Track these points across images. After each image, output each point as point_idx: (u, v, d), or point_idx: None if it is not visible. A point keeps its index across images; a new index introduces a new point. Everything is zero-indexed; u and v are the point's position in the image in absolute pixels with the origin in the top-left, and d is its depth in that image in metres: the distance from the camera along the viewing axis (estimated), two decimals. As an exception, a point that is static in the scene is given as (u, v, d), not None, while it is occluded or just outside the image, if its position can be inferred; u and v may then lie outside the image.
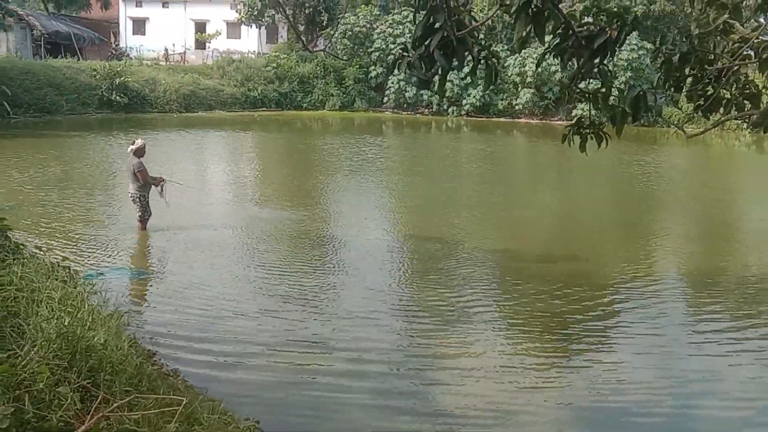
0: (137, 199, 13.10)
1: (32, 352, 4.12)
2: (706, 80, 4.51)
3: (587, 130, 4.67)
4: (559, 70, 37.58)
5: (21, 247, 7.32)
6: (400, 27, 44.37)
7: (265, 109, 42.89)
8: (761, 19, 5.03)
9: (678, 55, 4.40)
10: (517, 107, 42.94)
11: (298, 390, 7.47)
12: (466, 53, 3.82)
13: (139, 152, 13.04)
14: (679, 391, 7.88)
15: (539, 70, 39.63)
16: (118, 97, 37.09)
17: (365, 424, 6.89)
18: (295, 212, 15.85)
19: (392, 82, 43.84)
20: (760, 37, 4.59)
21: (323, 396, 7.39)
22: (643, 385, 7.92)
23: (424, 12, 3.76)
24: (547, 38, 4.18)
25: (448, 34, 3.70)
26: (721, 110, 4.60)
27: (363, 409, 7.21)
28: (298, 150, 29.42)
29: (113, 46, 52.24)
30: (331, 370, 7.98)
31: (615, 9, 3.99)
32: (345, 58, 44.54)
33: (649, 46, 39.13)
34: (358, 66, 45.26)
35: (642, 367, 8.35)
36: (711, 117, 4.82)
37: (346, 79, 45.24)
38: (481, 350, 8.61)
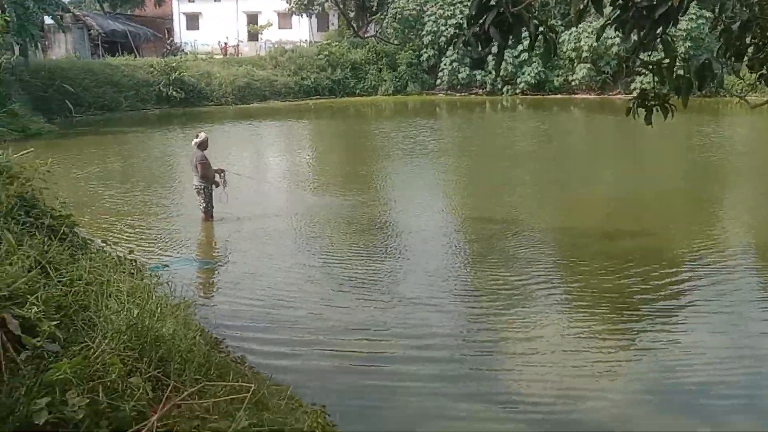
0: (201, 191, 13.33)
1: (104, 344, 4.21)
2: (769, 48, 4.34)
3: (652, 102, 4.53)
4: (616, 43, 36.67)
5: (88, 242, 7.51)
6: (451, 8, 43.83)
7: (318, 97, 43.10)
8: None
9: (738, 23, 4.24)
10: (573, 83, 42.15)
11: (361, 376, 7.52)
12: (523, 29, 3.75)
13: (203, 145, 13.27)
14: (755, 371, 7.64)
15: (595, 44, 38.77)
16: (174, 92, 37.78)
17: (429, 409, 6.89)
18: (350, 198, 15.90)
19: (445, 64, 43.47)
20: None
21: (387, 381, 7.41)
22: (718, 366, 7.69)
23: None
24: (606, 11, 4.06)
25: (504, 11, 3.63)
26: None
27: (427, 394, 7.19)
28: (352, 136, 29.51)
29: (168, 42, 53.17)
30: (393, 356, 7.98)
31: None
32: (396, 42, 44.34)
33: (707, 14, 37.73)
34: (410, 50, 45.00)
35: (716, 347, 8.10)
36: (775, 86, 4.63)
37: (399, 64, 45.04)
38: (547, 333, 8.48)
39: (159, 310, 5.39)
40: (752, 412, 6.89)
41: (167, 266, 10.38)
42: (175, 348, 4.89)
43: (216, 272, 11.02)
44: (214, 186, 13.46)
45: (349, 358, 7.91)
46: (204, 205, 13.40)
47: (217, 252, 12.21)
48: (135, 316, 4.86)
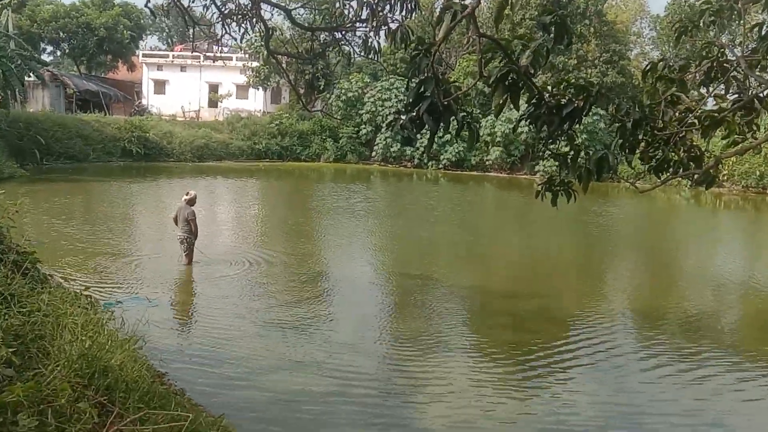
0: (184, 241, 13.14)
1: (56, 371, 4.01)
2: (657, 144, 4.56)
3: (558, 187, 4.71)
4: (525, 131, 37.87)
5: (48, 277, 7.19)
6: (388, 92, 44.71)
7: (268, 160, 43.01)
8: (703, 91, 5.13)
9: (631, 121, 4.44)
10: (487, 162, 43.17)
11: (293, 407, 7.35)
12: (452, 117, 3.85)
13: (192, 202, 13.30)
14: (629, 411, 7.81)
15: (506, 131, 40.03)
16: (137, 148, 37.09)
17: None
18: (292, 251, 15.73)
19: (380, 139, 44.11)
20: (702, 108, 4.65)
21: (315, 412, 7.29)
22: (596, 408, 7.84)
23: (416, 81, 3.79)
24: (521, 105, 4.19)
25: (436, 101, 3.73)
26: (671, 170, 4.65)
27: (350, 425, 7.10)
28: (296, 195, 29.40)
29: (136, 103, 52.33)
30: (322, 390, 7.85)
31: (581, 83, 4.05)
32: (339, 117, 44.79)
33: (601, 112, 39.37)
34: (350, 125, 45.54)
35: (594, 394, 8.26)
36: (661, 176, 4.87)
37: (340, 136, 45.48)
38: (456, 376, 8.50)
39: (109, 342, 5.18)
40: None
41: (120, 303, 9.99)
42: (122, 378, 4.69)
43: (165, 311, 10.64)
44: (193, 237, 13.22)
45: (282, 391, 7.75)
46: (187, 252, 13.19)
47: (168, 292, 11.81)
48: (86, 347, 4.65)
